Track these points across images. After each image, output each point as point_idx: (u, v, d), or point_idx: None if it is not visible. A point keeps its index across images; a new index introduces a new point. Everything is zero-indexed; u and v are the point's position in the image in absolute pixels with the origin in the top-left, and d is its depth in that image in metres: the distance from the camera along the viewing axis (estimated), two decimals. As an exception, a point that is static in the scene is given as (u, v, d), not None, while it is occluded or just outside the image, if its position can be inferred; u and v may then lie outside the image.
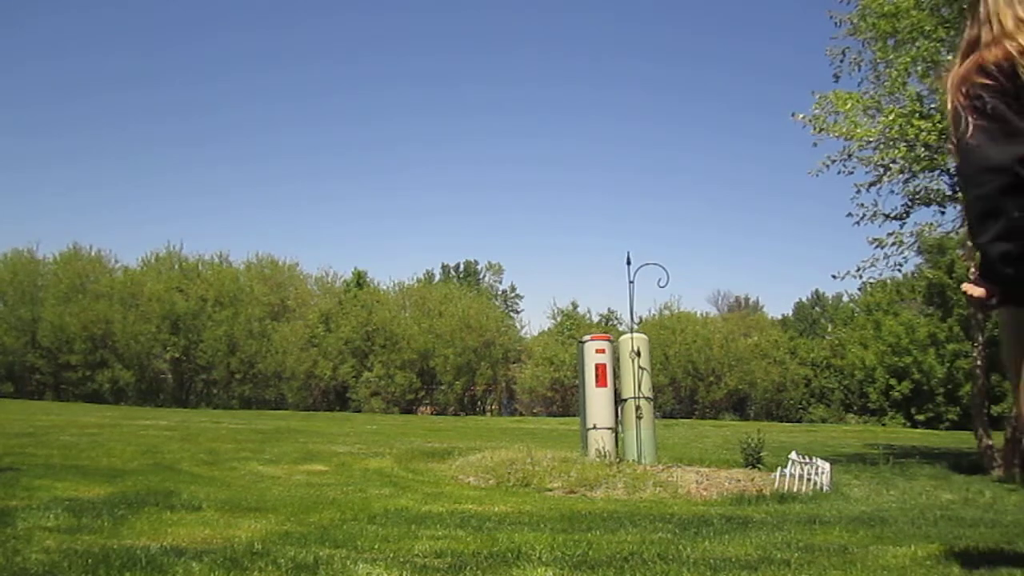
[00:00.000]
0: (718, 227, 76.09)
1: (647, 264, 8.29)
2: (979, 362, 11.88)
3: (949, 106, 2.43)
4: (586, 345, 8.00)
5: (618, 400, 7.87)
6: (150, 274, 34.04)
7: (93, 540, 3.05)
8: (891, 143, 10.28)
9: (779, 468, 6.98)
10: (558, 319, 40.22)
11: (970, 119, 2.35)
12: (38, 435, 9.42)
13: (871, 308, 35.52)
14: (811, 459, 7.37)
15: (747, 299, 56.48)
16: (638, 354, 7.75)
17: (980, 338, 11.85)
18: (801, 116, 10.85)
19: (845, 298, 45.12)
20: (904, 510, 5.06)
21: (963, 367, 27.88)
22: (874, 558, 2.92)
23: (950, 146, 2.46)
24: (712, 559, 2.91)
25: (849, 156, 10.79)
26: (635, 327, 8.73)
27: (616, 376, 7.93)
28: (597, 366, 7.83)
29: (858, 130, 10.39)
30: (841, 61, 11.49)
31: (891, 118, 10.14)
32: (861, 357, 34.06)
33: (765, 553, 3.08)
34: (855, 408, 36.57)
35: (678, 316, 37.76)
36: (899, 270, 11.36)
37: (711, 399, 35.87)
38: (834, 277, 11.10)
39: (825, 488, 6.77)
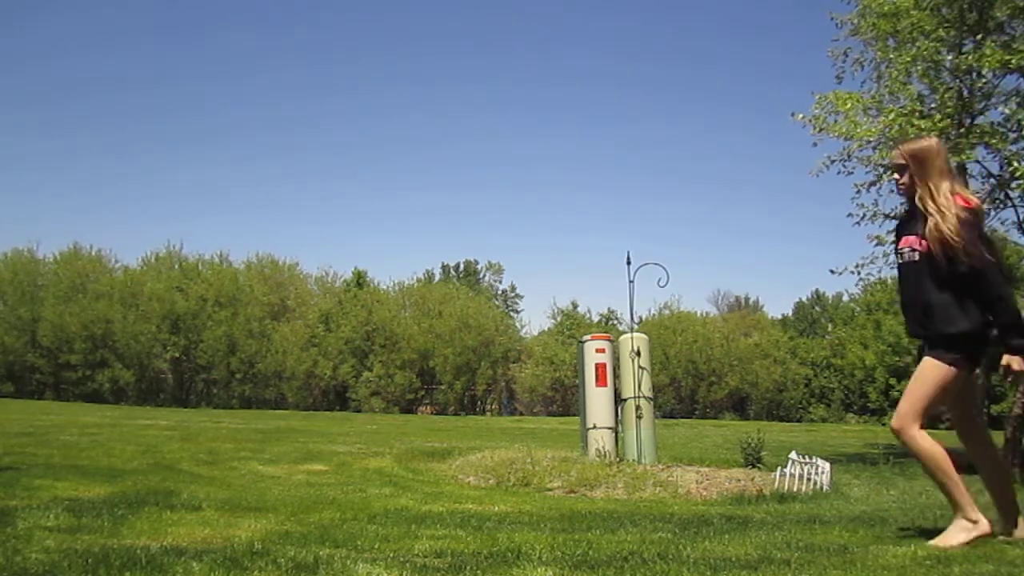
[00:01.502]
0: (718, 227, 76.11)
1: (647, 264, 8.29)
2: (979, 362, 11.85)
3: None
4: (586, 345, 8.00)
5: (618, 400, 7.86)
6: (150, 274, 34.05)
7: (93, 540, 3.05)
8: (891, 143, 10.29)
9: (779, 468, 6.98)
10: (558, 319, 40.23)
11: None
12: (38, 435, 9.42)
13: (871, 308, 35.54)
14: (811, 459, 7.37)
15: (747, 299, 56.51)
16: (638, 354, 7.74)
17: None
18: (801, 116, 10.85)
19: (845, 297, 45.09)
20: (904, 510, 5.06)
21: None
22: (874, 558, 2.92)
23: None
24: (712, 559, 2.91)
25: (849, 156, 10.79)
26: (635, 327, 8.73)
27: (616, 376, 7.92)
28: (597, 366, 7.82)
29: (858, 130, 10.39)
30: (843, 62, 11.50)
31: (891, 117, 10.14)
32: (861, 357, 34.08)
33: (765, 553, 3.08)
34: (855, 408, 36.59)
35: (678, 316, 37.75)
36: (898, 269, 11.38)
37: (711, 399, 35.86)
38: (832, 272, 11.13)
39: (825, 488, 6.77)
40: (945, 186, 3.40)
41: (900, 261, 3.54)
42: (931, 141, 3.59)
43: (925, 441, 3.37)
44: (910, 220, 3.54)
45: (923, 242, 3.39)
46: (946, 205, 3.35)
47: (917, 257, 3.42)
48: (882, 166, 10.62)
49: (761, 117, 74.97)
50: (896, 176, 3.60)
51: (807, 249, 73.77)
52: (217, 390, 33.17)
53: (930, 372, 3.34)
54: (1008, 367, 3.27)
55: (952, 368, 3.31)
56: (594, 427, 7.72)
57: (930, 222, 3.36)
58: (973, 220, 3.36)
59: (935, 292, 3.35)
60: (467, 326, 34.19)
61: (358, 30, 68.80)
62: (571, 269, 75.01)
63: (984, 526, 3.32)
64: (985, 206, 10.97)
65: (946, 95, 10.40)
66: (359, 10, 70.03)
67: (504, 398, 38.20)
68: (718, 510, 5.20)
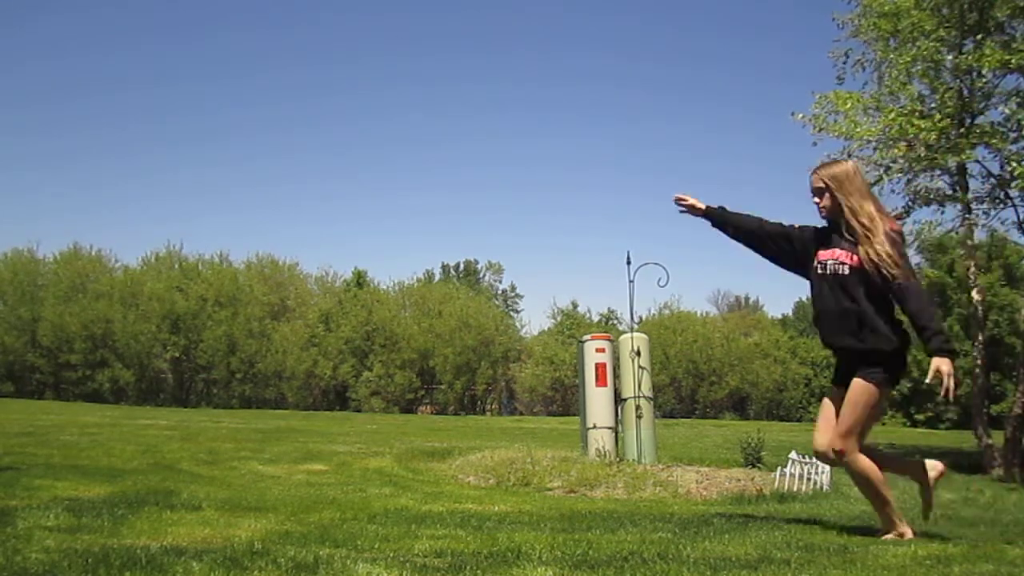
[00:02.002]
0: (718, 227, 75.99)
1: (647, 264, 8.27)
2: (979, 361, 11.89)
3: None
4: (586, 344, 8.00)
5: (618, 400, 7.86)
6: (150, 274, 34.05)
7: (93, 539, 3.05)
8: (891, 143, 10.28)
9: (779, 467, 6.98)
10: (558, 319, 40.23)
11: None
12: (38, 435, 9.41)
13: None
14: (811, 458, 7.36)
15: (747, 299, 56.55)
16: (638, 353, 7.74)
17: (980, 337, 11.87)
18: (801, 116, 10.87)
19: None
20: (904, 510, 5.05)
21: (962, 366, 27.90)
22: (874, 558, 2.92)
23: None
24: (712, 559, 2.91)
25: (849, 156, 10.79)
26: (635, 326, 8.72)
27: (616, 376, 7.92)
28: (597, 365, 7.82)
29: (858, 129, 10.39)
30: (844, 63, 11.50)
31: (891, 117, 10.14)
32: (861, 357, 34.01)
33: (765, 553, 3.08)
34: (855, 408, 36.55)
35: (678, 316, 37.76)
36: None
37: (712, 398, 35.85)
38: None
39: (825, 487, 6.76)
40: (868, 206, 3.56)
41: (822, 272, 3.64)
42: (848, 164, 3.75)
43: (864, 463, 3.61)
44: (830, 235, 3.67)
45: (854, 256, 3.53)
46: (872, 225, 3.50)
47: (847, 271, 3.55)
48: (882, 166, 10.62)
49: (761, 117, 75.13)
50: (817, 200, 3.70)
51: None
52: (217, 390, 33.17)
53: (862, 396, 3.51)
54: (938, 371, 3.36)
55: (879, 389, 3.53)
56: (594, 427, 7.72)
57: (860, 239, 3.50)
58: (899, 240, 3.56)
59: (865, 303, 3.51)
60: (467, 326, 34.18)
61: (358, 30, 68.95)
62: (571, 269, 75.18)
63: (909, 536, 3.67)
64: (985, 206, 10.99)
65: (946, 95, 10.40)
66: (359, 10, 70.17)
67: (504, 398, 38.19)
68: (718, 510, 5.20)
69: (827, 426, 3.68)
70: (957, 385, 3.33)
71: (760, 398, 37.07)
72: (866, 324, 3.50)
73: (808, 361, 38.41)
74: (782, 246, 3.85)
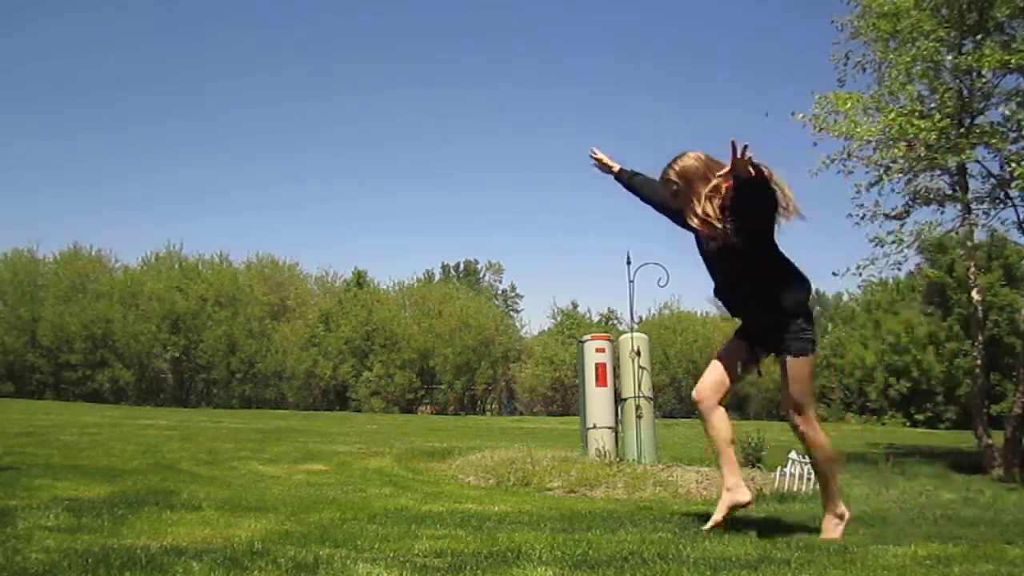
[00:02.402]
0: (718, 227, 76.06)
1: (647, 264, 8.27)
2: (979, 361, 11.90)
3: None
4: (586, 344, 8.00)
5: (618, 400, 7.86)
6: (150, 274, 34.06)
7: (93, 539, 3.05)
8: (891, 143, 10.29)
9: (779, 467, 6.98)
10: (558, 319, 40.23)
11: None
12: (38, 435, 9.42)
13: (871, 307, 35.58)
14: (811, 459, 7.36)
15: (747, 299, 56.46)
16: (638, 353, 7.74)
17: (980, 337, 11.88)
18: (801, 116, 10.88)
19: (846, 297, 45.14)
20: (904, 510, 5.06)
21: (963, 366, 27.93)
22: (874, 558, 2.92)
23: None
24: (712, 559, 2.91)
25: (849, 156, 10.81)
26: (635, 326, 8.72)
27: (616, 376, 7.92)
28: (597, 365, 7.82)
29: (858, 129, 10.40)
30: (844, 65, 11.52)
31: (891, 117, 10.15)
32: (861, 356, 34.09)
33: (765, 553, 3.08)
34: (855, 407, 36.58)
35: (678, 316, 37.78)
36: (899, 269, 11.42)
37: (711, 399, 35.82)
38: (834, 275, 11.18)
39: (825, 488, 6.75)
40: (704, 192, 3.49)
41: (706, 248, 3.69)
42: (687, 159, 3.59)
43: (824, 436, 3.66)
44: None
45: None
46: (701, 214, 3.52)
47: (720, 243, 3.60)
48: (882, 165, 10.63)
49: (761, 117, 74.94)
50: (679, 199, 3.66)
51: (807, 249, 73.54)
52: (217, 390, 33.17)
53: (800, 370, 3.51)
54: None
55: (807, 356, 3.52)
56: (594, 427, 7.72)
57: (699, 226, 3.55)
58: (715, 193, 3.47)
59: (749, 265, 3.53)
60: (467, 326, 34.19)
61: (358, 30, 68.95)
62: (571, 269, 75.19)
63: (847, 516, 3.73)
64: (985, 206, 10.99)
65: (946, 95, 10.41)
66: (359, 10, 70.18)
67: (504, 398, 38.19)
68: (718, 510, 5.18)
69: (710, 377, 3.77)
70: (759, 168, 3.19)
71: (760, 398, 37.05)
72: (756, 284, 3.53)
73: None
74: (681, 220, 3.81)
